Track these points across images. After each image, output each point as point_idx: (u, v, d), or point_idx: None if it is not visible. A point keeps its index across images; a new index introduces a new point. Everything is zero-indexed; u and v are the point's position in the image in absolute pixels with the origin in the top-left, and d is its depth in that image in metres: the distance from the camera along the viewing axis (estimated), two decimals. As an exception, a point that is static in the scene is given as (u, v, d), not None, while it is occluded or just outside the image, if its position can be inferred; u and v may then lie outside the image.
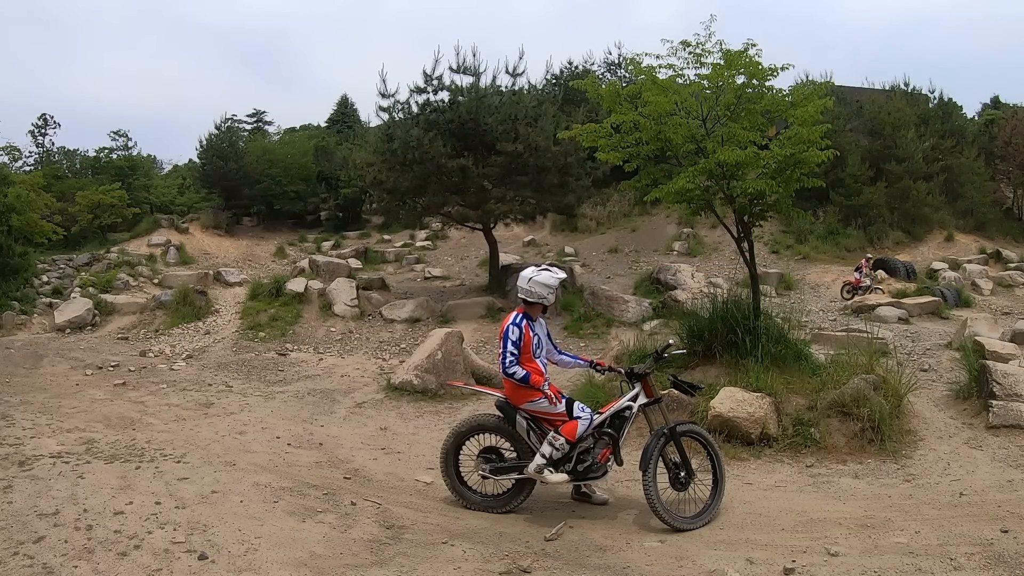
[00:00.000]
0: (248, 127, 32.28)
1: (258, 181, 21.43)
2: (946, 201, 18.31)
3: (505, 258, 15.61)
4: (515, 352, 4.57)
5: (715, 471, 4.67)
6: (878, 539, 4.11)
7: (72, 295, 13.21)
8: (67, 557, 3.63)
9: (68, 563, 3.57)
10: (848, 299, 13.75)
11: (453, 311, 12.33)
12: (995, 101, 28.19)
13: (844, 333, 9.21)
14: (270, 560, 3.70)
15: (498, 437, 4.89)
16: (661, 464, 4.58)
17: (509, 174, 12.51)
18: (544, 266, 4.97)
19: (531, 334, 4.70)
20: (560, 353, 5.03)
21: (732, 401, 6.04)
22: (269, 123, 34.16)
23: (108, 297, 13.27)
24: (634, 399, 4.72)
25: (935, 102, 22.19)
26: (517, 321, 4.66)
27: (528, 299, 4.76)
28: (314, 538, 4.03)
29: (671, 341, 5.56)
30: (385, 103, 13.15)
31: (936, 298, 12.42)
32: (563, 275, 4.88)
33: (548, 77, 19.37)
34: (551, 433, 4.56)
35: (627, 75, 19.06)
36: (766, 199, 7.06)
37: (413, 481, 5.44)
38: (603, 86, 7.44)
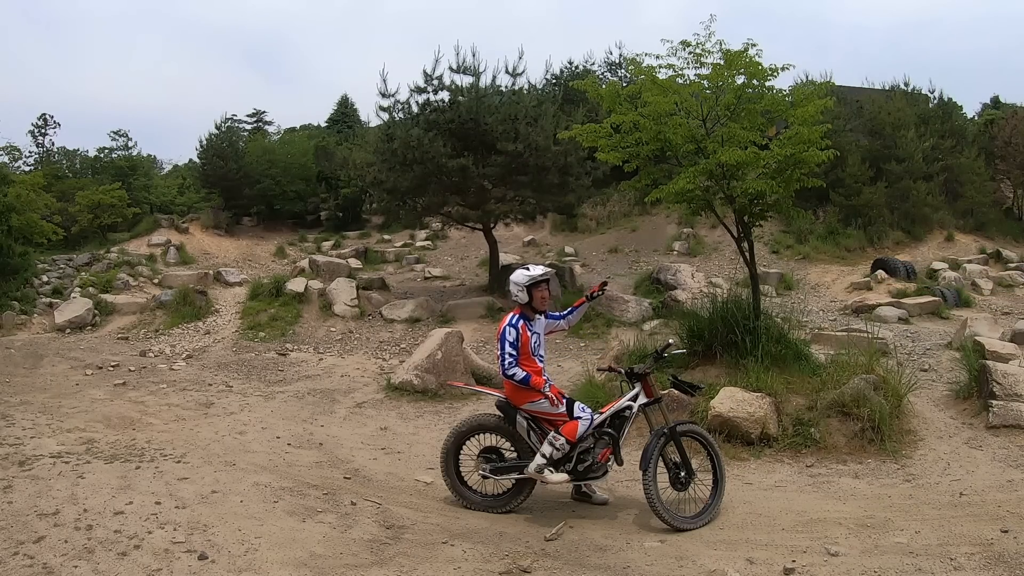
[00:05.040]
0: (248, 127, 32.27)
1: (258, 181, 21.39)
2: (946, 201, 18.26)
3: (505, 258, 15.60)
4: (513, 353, 4.58)
5: (715, 471, 4.68)
6: (878, 539, 4.11)
7: (72, 295, 13.19)
8: (67, 557, 3.63)
9: (68, 563, 3.57)
10: None
11: (453, 311, 12.33)
12: (995, 101, 28.14)
13: (844, 333, 9.20)
14: (270, 560, 3.70)
15: (498, 437, 4.89)
16: (661, 464, 4.59)
17: (509, 174, 12.51)
18: (524, 265, 4.98)
19: (528, 334, 4.71)
20: (564, 317, 5.05)
21: (732, 401, 6.05)
22: (269, 123, 34.18)
23: (108, 297, 13.25)
24: (634, 399, 4.72)
25: (935, 102, 22.13)
26: (513, 322, 4.67)
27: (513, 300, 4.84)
28: (314, 538, 4.04)
29: (671, 341, 5.57)
30: (385, 103, 13.14)
31: (936, 298, 12.40)
32: (536, 272, 4.75)
33: (548, 77, 19.31)
34: (551, 433, 4.56)
35: (627, 75, 19.05)
36: (766, 199, 7.06)
37: (413, 481, 5.44)
38: (603, 86, 7.44)
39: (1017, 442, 5.79)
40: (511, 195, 12.93)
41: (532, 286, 4.73)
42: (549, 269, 4.92)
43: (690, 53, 6.85)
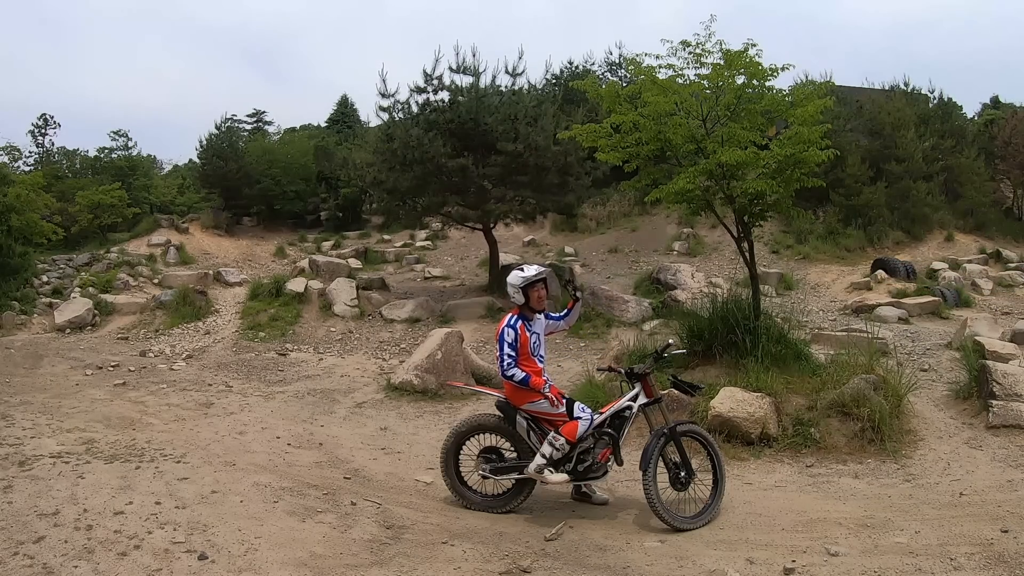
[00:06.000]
0: (248, 127, 32.25)
1: (258, 181, 21.37)
2: (946, 201, 18.24)
3: (505, 258, 15.59)
4: (512, 354, 4.58)
5: (715, 471, 4.68)
6: (878, 539, 4.11)
7: (72, 295, 13.20)
8: (67, 557, 3.63)
9: (68, 563, 3.57)
10: None
11: (453, 311, 12.33)
12: (995, 101, 28.09)
13: (844, 333, 9.20)
14: (270, 560, 3.70)
15: (498, 437, 4.89)
16: (661, 464, 4.59)
17: (509, 174, 12.50)
18: (520, 265, 4.98)
19: (527, 334, 4.71)
20: (562, 318, 5.05)
21: (732, 401, 6.05)
22: (269, 123, 34.12)
23: (108, 297, 13.26)
24: (634, 399, 4.73)
25: (935, 102, 22.11)
26: (512, 323, 4.67)
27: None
28: (314, 538, 4.04)
29: (671, 341, 5.56)
30: (385, 103, 13.14)
31: (936, 298, 12.39)
32: (530, 273, 4.73)
33: (548, 77, 19.30)
34: (551, 433, 4.56)
35: (627, 75, 19.03)
36: (766, 199, 7.07)
37: (413, 481, 5.44)
38: (603, 86, 7.44)
39: (1017, 442, 5.79)
40: (511, 195, 12.93)
41: (527, 287, 4.73)
42: (545, 269, 4.91)
43: (690, 53, 6.85)
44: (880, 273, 14.11)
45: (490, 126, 12.27)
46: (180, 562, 3.64)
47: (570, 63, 25.45)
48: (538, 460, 4.54)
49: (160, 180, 26.48)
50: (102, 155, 23.80)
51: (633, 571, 3.79)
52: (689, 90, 6.96)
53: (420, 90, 12.95)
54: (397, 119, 13.17)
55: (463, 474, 4.89)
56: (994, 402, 6.20)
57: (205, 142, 22.12)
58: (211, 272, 15.35)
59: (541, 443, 4.60)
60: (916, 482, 5.24)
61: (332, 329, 11.91)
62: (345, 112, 31.34)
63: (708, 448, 4.70)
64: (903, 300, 12.33)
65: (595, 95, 7.26)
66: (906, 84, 22.30)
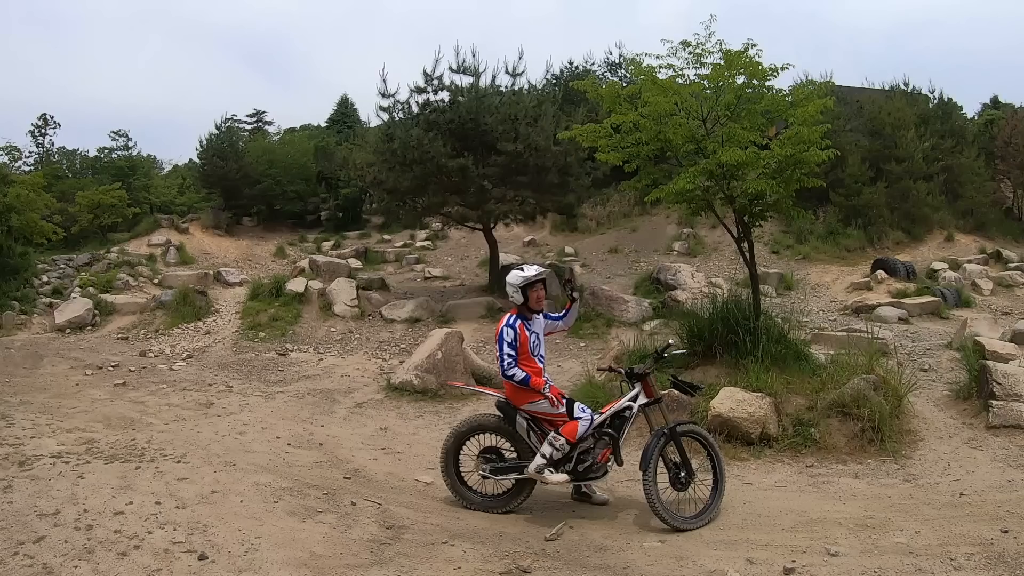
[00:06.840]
0: (248, 127, 32.25)
1: (258, 181, 21.38)
2: (946, 201, 18.25)
3: (505, 258, 15.59)
4: (512, 353, 4.58)
5: (715, 471, 4.68)
6: (878, 539, 4.11)
7: (72, 295, 13.21)
8: (67, 557, 3.63)
9: (68, 563, 3.57)
10: None
11: (453, 311, 12.33)
12: (995, 101, 28.05)
13: (844, 333, 9.21)
14: (270, 560, 3.70)
15: (498, 437, 4.89)
16: (661, 464, 4.59)
17: (509, 174, 12.51)
18: (520, 265, 4.99)
19: (527, 333, 4.71)
20: (561, 318, 5.06)
21: (732, 401, 6.05)
22: (269, 123, 34.10)
23: (108, 297, 13.27)
24: (634, 399, 4.73)
25: (935, 102, 22.11)
26: (511, 322, 4.67)
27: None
28: (314, 538, 4.04)
29: (671, 341, 5.57)
30: (385, 103, 13.16)
31: (936, 298, 12.40)
32: (529, 273, 4.73)
33: (548, 77, 19.32)
34: (551, 433, 4.56)
35: (627, 75, 19.03)
36: (766, 199, 7.06)
37: (413, 481, 5.44)
38: (603, 86, 7.44)
39: (1017, 442, 5.79)
40: (511, 195, 12.93)
41: (527, 287, 4.73)
42: (544, 269, 4.91)
43: (690, 53, 6.85)
44: (880, 273, 14.11)
45: (490, 126, 12.27)
46: (180, 562, 3.63)
47: (570, 63, 25.47)
48: (538, 460, 4.54)
49: (160, 180, 26.45)
50: (102, 155, 23.83)
51: (633, 571, 3.79)
52: (689, 90, 6.96)
53: (420, 90, 12.96)
54: (397, 119, 13.18)
55: (463, 474, 4.89)
56: (994, 402, 6.20)
57: (205, 142, 22.15)
58: (211, 272, 15.36)
59: (541, 443, 4.59)
60: (916, 482, 5.24)
61: (332, 329, 11.91)
62: (345, 112, 31.31)
63: (708, 448, 4.70)
64: (903, 300, 12.34)
65: (595, 95, 7.26)
66: (906, 84, 22.32)
